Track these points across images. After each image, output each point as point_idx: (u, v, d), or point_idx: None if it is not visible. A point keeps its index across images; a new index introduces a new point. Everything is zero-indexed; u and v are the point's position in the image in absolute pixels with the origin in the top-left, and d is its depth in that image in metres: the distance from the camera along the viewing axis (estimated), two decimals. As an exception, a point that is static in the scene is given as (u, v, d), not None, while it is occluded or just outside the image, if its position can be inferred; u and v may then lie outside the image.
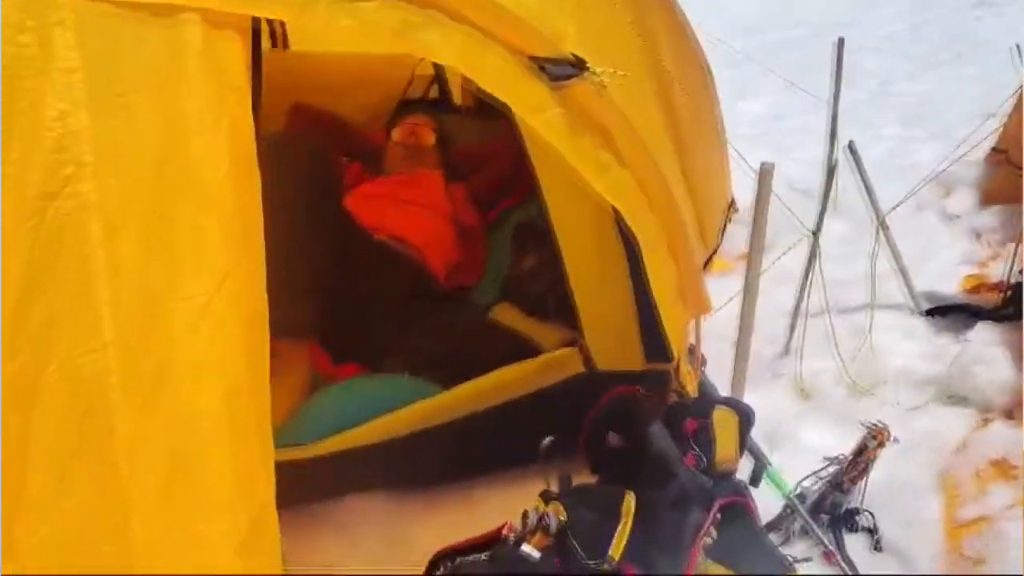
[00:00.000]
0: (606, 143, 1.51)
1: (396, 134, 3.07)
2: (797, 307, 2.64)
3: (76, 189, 1.07)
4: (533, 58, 1.38)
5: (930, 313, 2.85)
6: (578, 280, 2.08)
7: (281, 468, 1.99)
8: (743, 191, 3.65)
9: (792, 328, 2.69)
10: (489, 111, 3.69)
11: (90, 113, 1.08)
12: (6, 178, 1.05)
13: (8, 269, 1.03)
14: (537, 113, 1.41)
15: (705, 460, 1.80)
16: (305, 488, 2.08)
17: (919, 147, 4.44)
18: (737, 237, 3.43)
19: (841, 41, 3.55)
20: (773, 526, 1.99)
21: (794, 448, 2.31)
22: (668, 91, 2.47)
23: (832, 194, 3.86)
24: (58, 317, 1.06)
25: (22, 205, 1.05)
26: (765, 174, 2.02)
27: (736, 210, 3.55)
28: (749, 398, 2.43)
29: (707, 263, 3.13)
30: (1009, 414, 2.34)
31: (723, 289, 2.96)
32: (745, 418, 1.84)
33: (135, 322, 1.08)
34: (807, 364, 2.65)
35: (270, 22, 3.98)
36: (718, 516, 1.73)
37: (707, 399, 1.93)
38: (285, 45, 4.01)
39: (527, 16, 1.38)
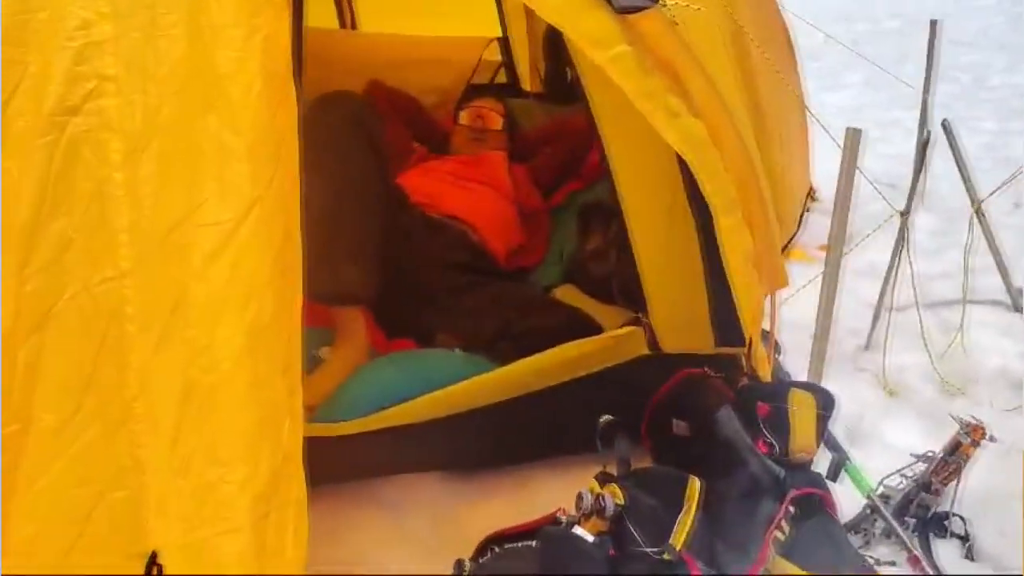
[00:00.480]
0: (677, 87, 1.37)
1: (463, 117, 3.06)
2: (882, 294, 2.45)
3: (98, 105, 1.00)
4: (599, -14, 1.26)
5: (1034, 310, 2.62)
6: (646, 256, 1.96)
7: (328, 442, 1.94)
8: (823, 179, 3.48)
9: (875, 319, 2.50)
10: (557, 97, 3.67)
11: (114, 24, 1.00)
12: (24, 91, 0.97)
13: (21, 187, 0.96)
14: (603, 48, 1.29)
15: (778, 447, 1.64)
16: (352, 464, 2.00)
17: (1016, 141, 4.18)
18: (817, 227, 3.26)
19: (934, 23, 3.34)
20: (852, 527, 1.80)
21: (877, 446, 2.13)
22: (746, 58, 2.33)
23: (921, 186, 3.65)
24: (73, 242, 0.99)
25: (39, 119, 0.97)
26: (852, 138, 1.85)
27: (815, 199, 3.36)
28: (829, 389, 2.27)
29: (784, 250, 2.95)
30: (1122, 418, 2.12)
31: (800, 279, 2.79)
32: (825, 403, 1.68)
33: (154, 249, 1.00)
34: (892, 359, 2.46)
35: (339, 4, 3.99)
36: (791, 509, 1.57)
37: (782, 382, 1.77)
38: (354, 26, 4.00)
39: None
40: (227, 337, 0.99)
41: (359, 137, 2.21)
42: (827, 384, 2.28)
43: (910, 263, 2.39)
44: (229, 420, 0.99)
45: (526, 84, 3.91)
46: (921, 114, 3.42)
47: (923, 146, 2.30)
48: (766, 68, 2.30)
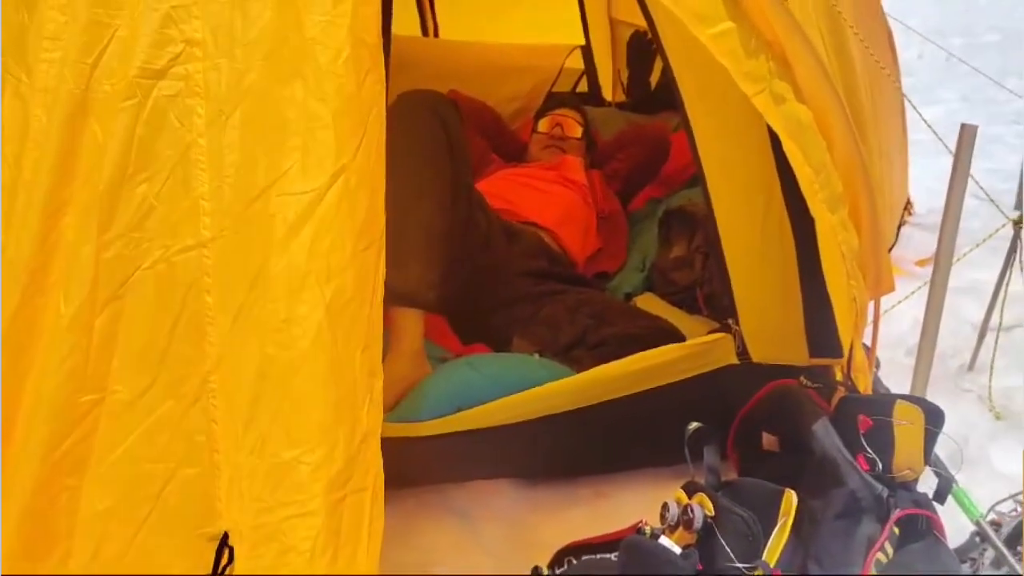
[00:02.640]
0: (783, 71, 1.28)
1: (542, 125, 3.08)
2: (990, 310, 2.29)
3: (184, 69, 0.97)
4: (702, -41, 1.18)
5: None
6: (737, 262, 1.87)
7: (399, 445, 1.89)
8: (920, 192, 3.33)
9: (981, 337, 2.34)
10: (639, 106, 3.62)
11: (200, -10, 0.97)
12: (111, 54, 0.95)
13: (105, 150, 0.93)
14: (707, 25, 1.21)
15: (881, 464, 1.52)
16: (425, 467, 1.95)
17: None
18: (912, 241, 3.11)
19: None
20: (958, 555, 1.66)
21: (984, 471, 1.98)
22: (848, 59, 2.23)
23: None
24: (154, 209, 0.96)
25: (124, 81, 0.95)
26: (967, 134, 1.72)
27: (912, 211, 3.20)
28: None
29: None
30: None
31: (895, 295, 2.65)
32: (934, 418, 1.55)
33: (236, 219, 0.96)
34: (999, 381, 2.31)
35: (421, 9, 4.01)
36: (895, 530, 1.45)
37: (887, 394, 1.64)
38: (436, 34, 4.02)
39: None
40: (306, 313, 0.94)
41: (439, 135, 2.18)
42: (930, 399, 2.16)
43: (1022, 271, 2.23)
44: (306, 399, 0.94)
45: (608, 93, 3.88)
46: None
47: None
48: (867, 67, 2.19)
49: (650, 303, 2.48)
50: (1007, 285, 2.26)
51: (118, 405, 0.94)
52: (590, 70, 3.87)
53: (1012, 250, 2.20)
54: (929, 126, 2.18)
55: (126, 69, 0.95)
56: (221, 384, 0.94)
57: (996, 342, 2.32)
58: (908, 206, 3.16)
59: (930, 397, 2.17)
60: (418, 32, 3.95)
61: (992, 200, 2.25)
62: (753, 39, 1.24)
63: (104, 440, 0.93)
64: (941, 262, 1.83)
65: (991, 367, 2.27)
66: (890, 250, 2.86)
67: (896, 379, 2.11)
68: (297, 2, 0.98)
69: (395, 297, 2.04)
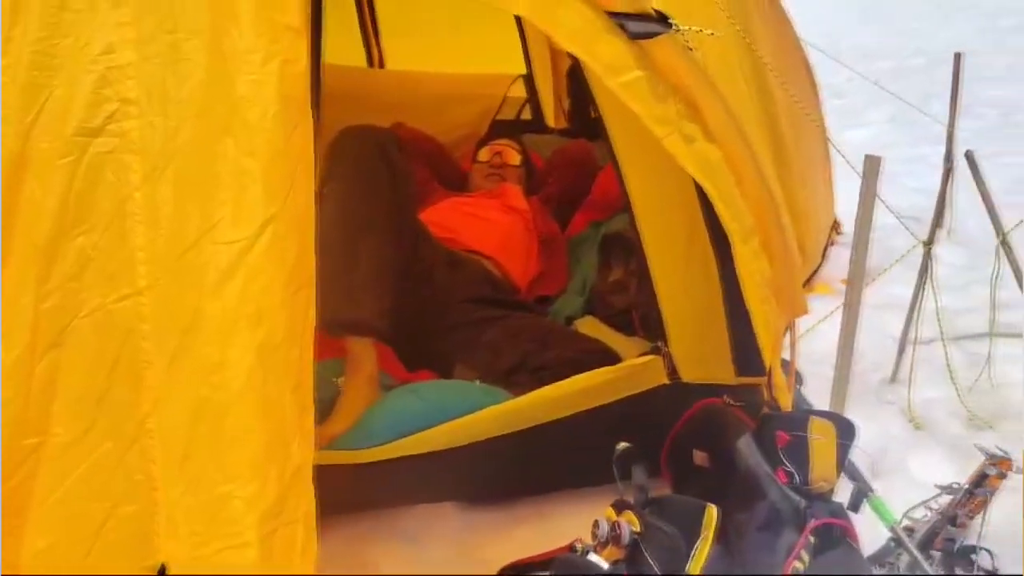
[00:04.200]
0: (692, 113, 1.38)
1: (483, 154, 3.17)
2: (907, 326, 2.42)
3: (119, 127, 1.03)
4: (613, 14, 1.27)
5: (1066, 343, 2.57)
6: (665, 286, 1.96)
7: (347, 471, 1.94)
8: (848, 212, 3.46)
9: (900, 352, 2.46)
10: (581, 132, 3.72)
11: (137, 49, 1.04)
12: (48, 113, 1.00)
13: (43, 205, 0.98)
14: (617, 74, 1.30)
15: (799, 477, 1.61)
16: (372, 493, 2.01)
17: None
18: (841, 260, 3.23)
19: (958, 55, 3.35)
20: (876, 560, 1.76)
21: (902, 479, 2.08)
22: (768, 94, 2.35)
23: (947, 219, 3.62)
24: (92, 260, 1.01)
25: (60, 140, 1.00)
26: (871, 167, 1.84)
27: (841, 231, 3.34)
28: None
29: (807, 283, 2.93)
30: None
31: (824, 312, 2.77)
32: (845, 431, 1.65)
33: (170, 268, 1.01)
34: (918, 393, 2.43)
35: (367, 40, 4.08)
36: (812, 539, 1.54)
37: (802, 411, 1.74)
38: (382, 64, 4.09)
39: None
40: (239, 355, 1.00)
41: (383, 169, 2.25)
42: (852, 416, 2.26)
43: (934, 295, 2.35)
44: (239, 437, 1.00)
45: (551, 120, 3.97)
46: (947, 144, 3.42)
47: (945, 175, 2.28)
48: (788, 102, 2.31)
49: (590, 326, 2.56)
50: (921, 302, 2.39)
51: (58, 448, 0.98)
52: (533, 98, 3.96)
53: (924, 270, 2.33)
54: (841, 154, 2.31)
55: (63, 128, 1.00)
56: (158, 425, 0.99)
57: (914, 356, 2.45)
58: (836, 226, 3.29)
59: (853, 410, 2.29)
60: (364, 63, 4.01)
61: (903, 224, 2.38)
62: (661, 85, 1.33)
63: (45, 481, 0.98)
64: (853, 283, 1.95)
65: (910, 380, 2.40)
66: (818, 270, 2.98)
67: (824, 394, 2.21)
68: (227, 62, 1.05)
69: (350, 327, 2.12)
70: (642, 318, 2.45)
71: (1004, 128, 5.15)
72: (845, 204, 3.48)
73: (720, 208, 1.49)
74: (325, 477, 1.98)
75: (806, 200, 2.63)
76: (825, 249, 3.16)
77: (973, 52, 6.52)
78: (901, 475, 2.10)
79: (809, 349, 2.47)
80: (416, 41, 3.99)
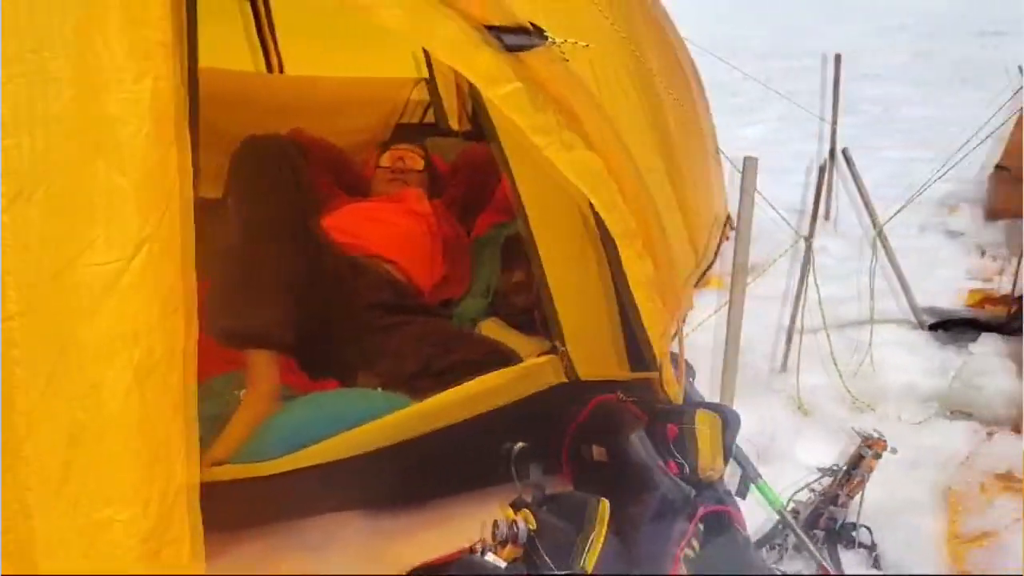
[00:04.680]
0: (571, 122, 1.42)
1: (385, 159, 3.15)
2: (793, 317, 2.54)
3: (-16, 150, 1.00)
4: (489, 27, 1.31)
5: (934, 327, 2.74)
6: (558, 287, 2.00)
7: (249, 484, 1.92)
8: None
9: (788, 342, 2.58)
10: (484, 135, 3.74)
11: (1, 69, 1.01)
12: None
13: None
14: (496, 85, 1.34)
15: (687, 467, 1.69)
16: (275, 505, 1.99)
17: (921, 168, 4.37)
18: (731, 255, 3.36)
19: (838, 56, 3.54)
20: (764, 542, 1.86)
21: (790, 464, 2.20)
22: (656, 98, 2.42)
23: (833, 213, 3.80)
24: (-42, 286, 0.98)
25: (-78, 164, 0.97)
26: (749, 168, 1.93)
27: (733, 228, 3.47)
28: (743, 411, 2.33)
29: (701, 278, 3.04)
30: (1016, 427, 2.22)
31: (717, 305, 2.88)
32: (728, 422, 1.73)
33: (41, 291, 1.00)
34: (805, 380, 2.55)
35: (264, 45, 4.02)
36: (700, 526, 1.61)
37: (690, 403, 1.82)
38: (281, 69, 4.03)
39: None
40: (115, 377, 0.99)
41: (280, 179, 2.23)
42: (742, 406, 2.35)
43: (816, 287, 2.48)
44: (117, 460, 0.99)
45: (454, 123, 3.98)
46: (831, 141, 3.60)
47: (820, 172, 2.40)
48: (675, 106, 2.40)
49: (493, 328, 2.59)
50: (804, 293, 2.51)
51: (-71, 481, 0.95)
52: (436, 101, 3.96)
53: (805, 263, 2.45)
54: (726, 157, 2.42)
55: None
56: (34, 451, 0.97)
57: (800, 345, 2.57)
58: (728, 222, 3.41)
59: (744, 399, 2.40)
60: (262, 68, 3.94)
61: (785, 220, 2.49)
62: (539, 96, 1.37)
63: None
64: (736, 279, 2.04)
65: (797, 368, 2.52)
66: (711, 265, 3.09)
67: (717, 384, 2.30)
68: (96, 81, 1.03)
69: (249, 339, 2.10)
70: (543, 318, 2.50)
71: (886, 123, 5.42)
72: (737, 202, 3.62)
73: (603, 214, 1.54)
74: (226, 492, 1.96)
75: (696, 199, 2.72)
76: (718, 245, 3.28)
77: (858, 51, 6.86)
78: (789, 460, 2.21)
79: (703, 342, 2.58)
80: (316, 45, 3.95)
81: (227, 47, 3.65)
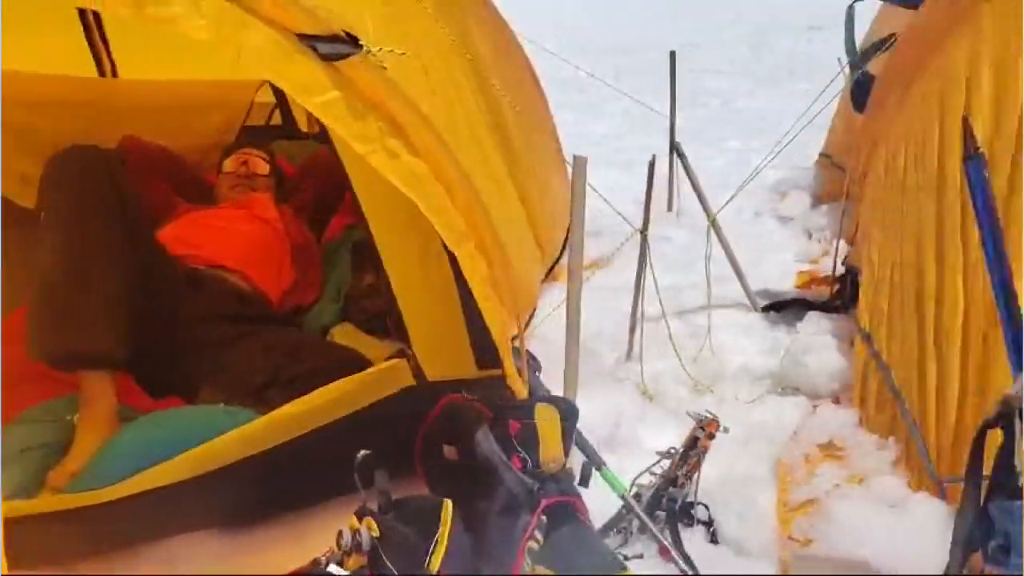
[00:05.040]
0: (394, 130, 1.43)
1: (228, 164, 3.05)
2: (634, 308, 2.64)
3: None
4: (302, 36, 1.29)
5: (766, 309, 2.91)
6: (403, 290, 2.01)
7: (86, 513, 1.84)
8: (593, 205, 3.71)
9: (631, 331, 2.68)
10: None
11: None
12: None
13: None
14: (313, 95, 1.33)
15: (531, 461, 1.73)
16: (122, 531, 1.91)
17: (757, 158, 4.61)
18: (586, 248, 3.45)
19: (672, 54, 3.69)
20: (611, 526, 1.93)
21: (637, 449, 2.28)
22: (494, 101, 2.46)
23: (676, 204, 3.97)
24: None
25: None
26: (579, 167, 2.00)
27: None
28: (590, 401, 2.41)
29: (549, 273, 3.11)
30: (837, 399, 2.40)
31: (557, 300, 2.95)
32: (566, 413, 1.79)
33: None
34: (652, 367, 2.66)
35: (95, 49, 3.81)
36: (543, 518, 1.66)
37: (531, 398, 1.86)
38: (115, 73, 3.83)
39: None
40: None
41: (102, 193, 2.12)
42: (590, 395, 2.44)
43: (653, 276, 2.58)
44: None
45: (303, 125, 3.91)
46: (670, 135, 3.75)
47: (649, 167, 2.51)
48: (513, 106, 2.45)
49: (345, 333, 2.57)
50: (643, 283, 2.61)
51: None
52: (282, 102, 3.87)
53: (642, 255, 2.55)
54: (567, 159, 2.48)
55: None
56: None
57: (642, 333, 2.68)
58: (575, 216, 3.49)
59: (592, 388, 2.48)
60: (94, 73, 3.73)
61: (620, 214, 2.59)
62: (359, 103, 1.37)
63: None
64: (572, 273, 2.10)
65: (640, 356, 2.62)
66: (559, 260, 3.17)
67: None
68: None
69: (79, 360, 2.00)
70: (395, 321, 2.50)
71: (726, 115, 5.69)
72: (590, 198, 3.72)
73: (431, 217, 1.56)
74: (65, 522, 1.87)
75: (541, 196, 2.78)
76: (565, 240, 3.36)
77: (697, 46, 7.16)
78: (635, 445, 2.29)
79: (553, 335, 2.63)
80: (152, 47, 3.76)
81: (67, 55, 3.43)
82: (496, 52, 2.41)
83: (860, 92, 2.88)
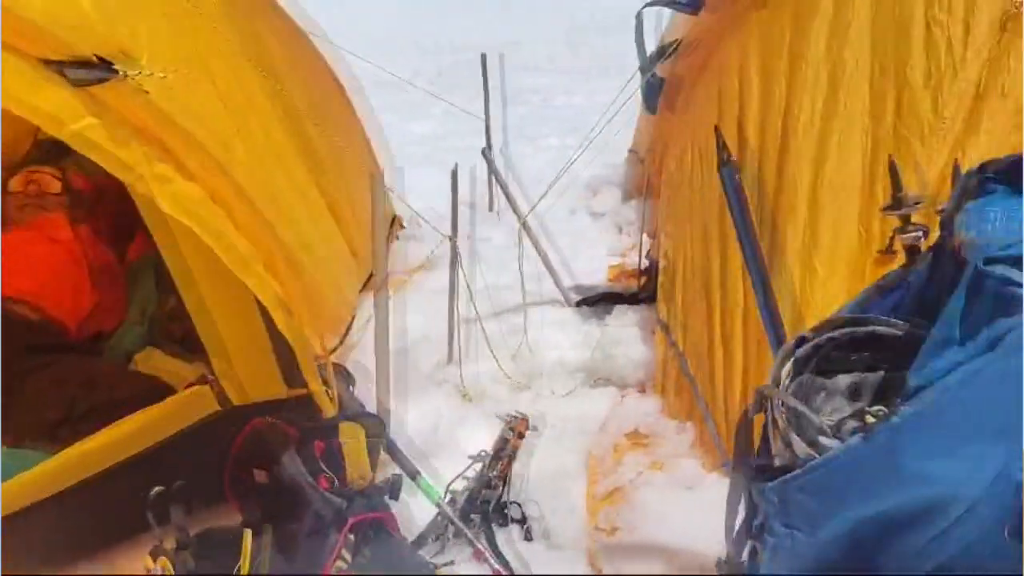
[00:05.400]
0: (164, 155, 1.38)
1: (14, 184, 2.82)
2: (450, 311, 2.67)
3: None
4: (48, 61, 1.22)
5: (580, 304, 3.01)
6: (198, 310, 1.95)
7: None
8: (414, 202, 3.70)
9: (450, 333, 2.71)
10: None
11: None
12: None
13: None
14: (65, 124, 1.26)
15: (337, 480, 1.73)
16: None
17: (574, 155, 4.74)
18: (410, 252, 3.44)
19: (483, 57, 3.75)
20: (427, 535, 1.95)
21: (456, 452, 2.29)
22: (296, 115, 2.42)
23: (497, 205, 4.04)
24: None
25: None
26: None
27: (403, 226, 3.57)
28: (410, 408, 2.42)
29: (367, 282, 3.09)
30: (642, 388, 2.51)
31: (367, 313, 2.94)
32: (373, 429, 1.80)
33: None
34: (472, 368, 2.69)
35: None
36: (351, 537, 1.66)
37: (334, 418, 1.85)
38: None
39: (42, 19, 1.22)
40: None
41: None
42: (410, 402, 2.45)
43: (464, 280, 2.62)
44: None
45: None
46: (486, 137, 3.81)
47: (452, 175, 2.54)
48: (321, 113, 2.42)
49: (151, 358, 2.46)
50: (457, 287, 2.65)
51: None
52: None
53: (453, 260, 2.58)
54: (378, 165, 2.47)
55: None
56: None
57: (460, 334, 2.71)
58: (395, 221, 3.50)
59: (413, 394, 2.49)
60: None
61: (428, 222, 2.62)
62: (120, 130, 1.31)
63: None
64: (379, 293, 2.10)
65: (459, 358, 2.65)
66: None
67: (396, 387, 2.36)
68: None
69: None
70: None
71: (545, 113, 5.82)
72: (412, 194, 3.71)
73: (209, 242, 1.51)
74: None
75: (352, 204, 2.76)
76: (393, 245, 3.36)
77: (517, 45, 7.27)
78: (454, 449, 2.31)
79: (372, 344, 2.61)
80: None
81: None
82: (292, 61, 2.37)
83: (651, 94, 3.02)
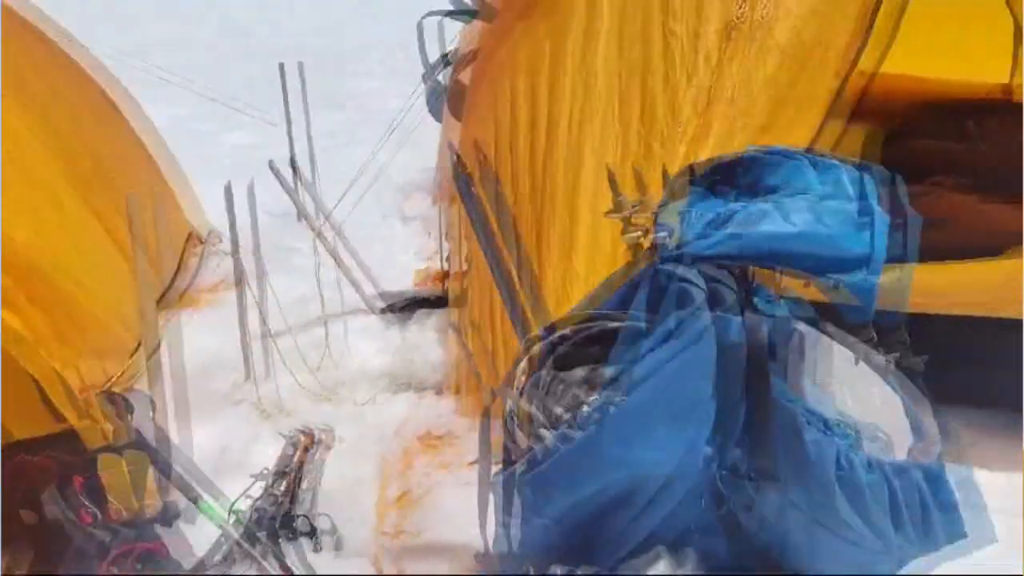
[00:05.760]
0: None
1: None
2: (242, 328, 2.64)
3: None
4: None
5: (385, 311, 3.04)
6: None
7: None
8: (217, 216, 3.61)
9: (244, 350, 2.68)
10: None
11: None
12: None
13: None
14: None
15: (100, 514, 1.69)
16: None
17: (388, 158, 4.75)
18: (222, 267, 3.35)
19: (281, 66, 3.70)
20: (211, 557, 1.92)
21: (251, 471, 2.26)
22: (68, 142, 2.35)
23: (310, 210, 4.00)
24: None
25: None
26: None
27: (202, 242, 3.48)
28: (203, 429, 2.36)
29: (182, 297, 3.03)
30: (439, 390, 2.57)
31: (190, 325, 2.88)
32: (135, 459, 1.76)
33: None
34: (275, 383, 2.66)
35: None
36: (113, 569, 1.63)
37: (92, 451, 1.80)
38: None
39: None
40: None
41: None
42: (205, 425, 2.40)
43: (254, 297, 2.60)
44: None
45: None
46: (290, 148, 3.77)
47: (249, 190, 2.53)
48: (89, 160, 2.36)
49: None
50: (244, 302, 2.62)
51: None
52: None
53: (238, 278, 2.55)
54: (168, 180, 2.41)
55: None
56: None
57: (256, 350, 2.68)
58: (191, 239, 3.40)
59: (209, 419, 2.44)
60: None
61: (219, 234, 2.58)
62: None
63: None
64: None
65: (254, 375, 2.63)
66: (189, 286, 3.08)
67: (184, 410, 2.30)
68: None
69: None
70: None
71: (365, 117, 5.80)
72: (217, 214, 3.61)
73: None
74: None
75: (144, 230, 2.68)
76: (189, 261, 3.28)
77: (344, 48, 7.17)
78: (248, 468, 2.28)
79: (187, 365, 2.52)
80: None
81: None
82: (54, 90, 2.29)
83: (434, 102, 3.09)
